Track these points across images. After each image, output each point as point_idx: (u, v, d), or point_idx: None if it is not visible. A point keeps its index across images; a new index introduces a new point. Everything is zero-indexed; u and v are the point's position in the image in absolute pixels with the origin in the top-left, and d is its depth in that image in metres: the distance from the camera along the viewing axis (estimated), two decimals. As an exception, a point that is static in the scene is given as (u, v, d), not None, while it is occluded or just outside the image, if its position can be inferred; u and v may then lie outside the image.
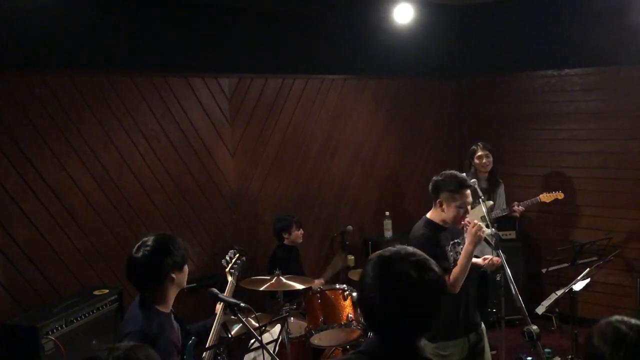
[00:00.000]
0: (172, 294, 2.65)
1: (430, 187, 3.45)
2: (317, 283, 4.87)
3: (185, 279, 2.69)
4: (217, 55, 4.88)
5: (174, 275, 2.59)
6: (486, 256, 3.59)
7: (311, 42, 5.41)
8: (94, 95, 4.18)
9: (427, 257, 1.60)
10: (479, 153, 5.24)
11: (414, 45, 5.84)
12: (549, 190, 5.27)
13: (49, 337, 3.40)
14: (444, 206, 3.35)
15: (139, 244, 2.60)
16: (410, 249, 1.61)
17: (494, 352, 4.95)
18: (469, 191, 3.36)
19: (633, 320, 1.53)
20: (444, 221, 3.40)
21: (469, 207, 3.38)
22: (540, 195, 5.18)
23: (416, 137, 6.41)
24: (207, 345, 2.77)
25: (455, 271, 3.26)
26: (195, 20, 4.72)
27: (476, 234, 3.25)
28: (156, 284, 2.58)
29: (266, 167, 5.25)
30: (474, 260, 3.50)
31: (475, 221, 3.35)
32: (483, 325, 3.61)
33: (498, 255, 3.45)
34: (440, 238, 3.38)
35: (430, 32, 5.91)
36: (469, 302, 3.47)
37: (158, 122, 4.54)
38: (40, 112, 3.92)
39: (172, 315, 2.71)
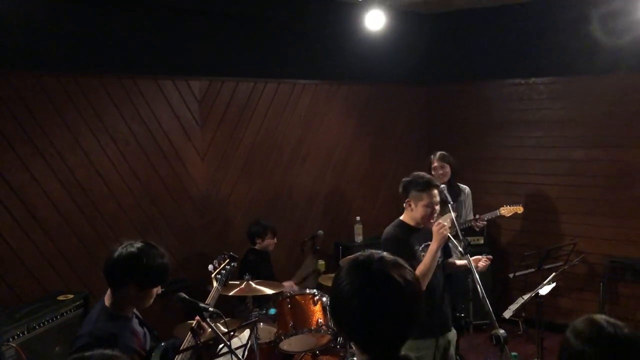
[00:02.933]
0: (130, 305, 2.53)
1: (400, 188, 3.56)
2: (287, 285, 4.85)
3: (148, 301, 2.54)
4: (188, 58, 4.83)
5: (131, 288, 2.46)
6: (477, 257, 3.62)
7: (283, 46, 5.41)
8: (60, 96, 4.10)
9: (398, 258, 1.55)
10: (434, 164, 5.02)
11: (385, 51, 5.88)
12: (512, 200, 5.24)
13: (10, 344, 3.30)
14: (412, 206, 3.46)
15: (129, 243, 2.48)
16: (381, 253, 1.55)
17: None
18: (436, 191, 3.46)
19: (605, 317, 1.54)
20: (415, 222, 3.49)
21: (437, 207, 3.46)
22: (500, 209, 5.14)
23: (387, 143, 6.45)
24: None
25: (419, 268, 3.32)
26: (166, 22, 4.67)
27: (439, 232, 3.34)
28: (115, 287, 2.48)
29: (237, 171, 5.21)
30: (458, 262, 3.65)
31: (440, 221, 3.43)
32: (454, 331, 3.67)
33: (467, 261, 3.49)
34: (410, 239, 3.46)
35: (402, 39, 5.97)
36: (441, 303, 3.52)
37: (127, 124, 4.47)
38: (3, 112, 3.82)
39: (137, 320, 2.64)
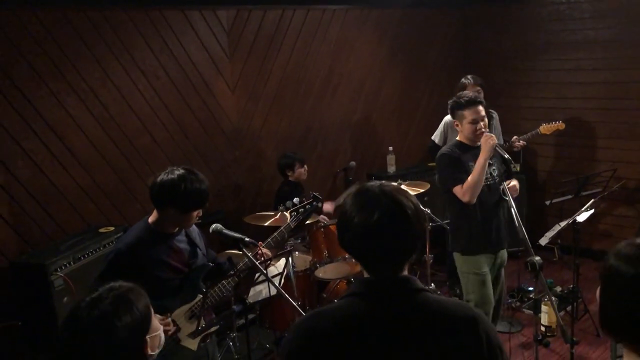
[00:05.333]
0: (170, 225, 2.69)
1: (449, 111, 3.68)
2: (328, 207, 4.91)
3: (188, 223, 2.70)
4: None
5: (170, 211, 2.62)
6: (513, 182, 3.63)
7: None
8: (88, 32, 4.07)
9: (404, 189, 1.61)
10: (469, 89, 4.87)
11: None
12: (549, 121, 5.14)
13: (58, 273, 3.46)
14: (460, 125, 3.56)
15: (172, 169, 2.62)
16: (390, 183, 1.63)
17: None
18: (480, 107, 3.51)
19: None
20: (468, 140, 3.57)
21: (483, 123, 3.52)
22: (540, 127, 5.03)
23: (420, 70, 6.28)
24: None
25: (468, 180, 3.43)
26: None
27: (487, 143, 3.42)
28: (157, 209, 2.66)
29: (267, 103, 5.17)
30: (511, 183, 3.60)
31: (487, 132, 3.50)
32: (506, 256, 3.80)
33: (503, 189, 3.49)
34: (465, 155, 3.53)
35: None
36: (500, 225, 3.62)
37: (156, 57, 4.44)
38: (35, 50, 3.83)
39: (186, 239, 2.78)
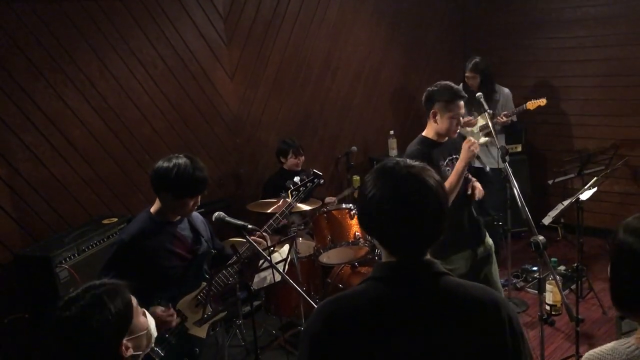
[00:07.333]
0: (169, 212, 2.70)
1: (424, 97, 3.42)
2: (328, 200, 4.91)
3: (184, 210, 2.70)
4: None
5: (166, 197, 2.64)
6: (476, 184, 3.52)
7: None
8: (84, 22, 4.03)
9: (426, 165, 1.57)
10: (467, 74, 5.13)
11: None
12: (551, 104, 5.16)
13: (63, 265, 3.46)
14: (437, 117, 3.34)
15: (172, 156, 2.63)
16: (409, 160, 1.59)
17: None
18: (462, 102, 3.34)
19: None
20: (438, 135, 3.39)
21: (461, 119, 3.37)
22: (527, 103, 5.06)
23: (419, 51, 6.24)
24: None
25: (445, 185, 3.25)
26: None
27: (468, 150, 3.27)
28: (156, 194, 2.69)
29: (267, 90, 5.14)
30: (478, 185, 3.50)
31: (470, 138, 3.35)
32: (491, 242, 3.64)
33: (505, 169, 3.44)
34: (433, 154, 3.35)
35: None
36: (472, 217, 3.49)
37: (153, 46, 4.40)
38: (31, 42, 3.80)
39: (188, 227, 2.79)
